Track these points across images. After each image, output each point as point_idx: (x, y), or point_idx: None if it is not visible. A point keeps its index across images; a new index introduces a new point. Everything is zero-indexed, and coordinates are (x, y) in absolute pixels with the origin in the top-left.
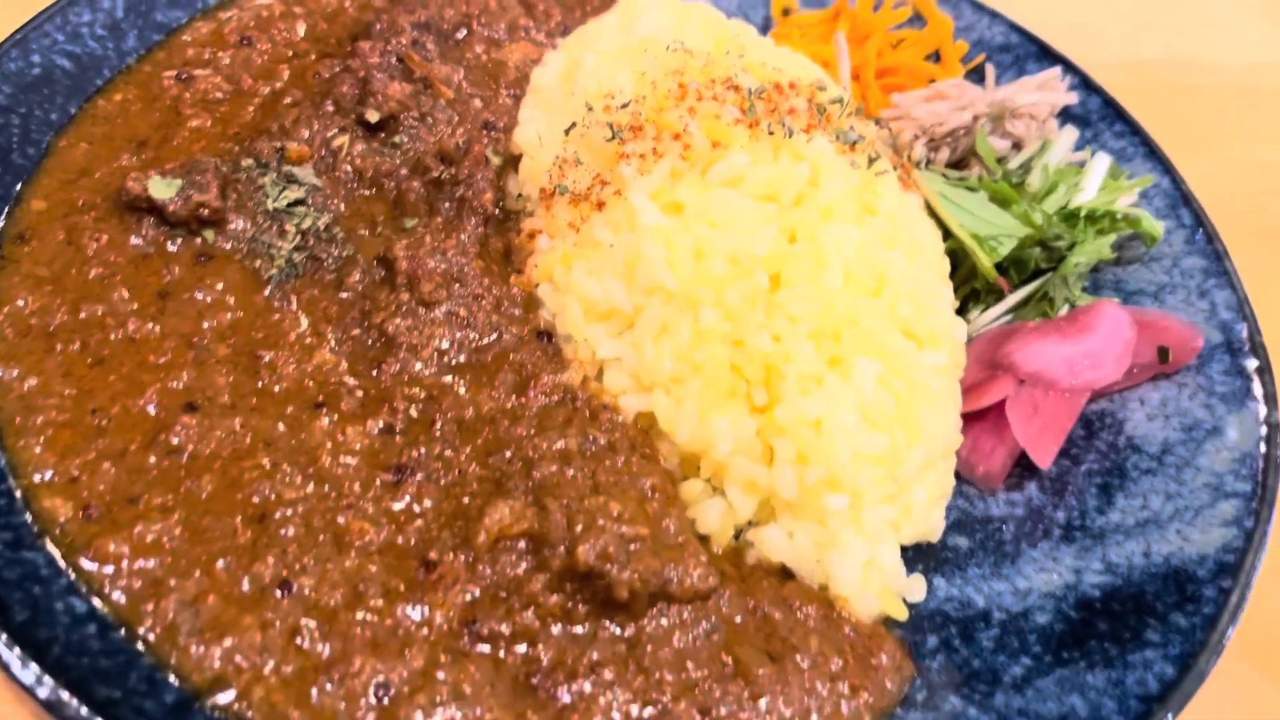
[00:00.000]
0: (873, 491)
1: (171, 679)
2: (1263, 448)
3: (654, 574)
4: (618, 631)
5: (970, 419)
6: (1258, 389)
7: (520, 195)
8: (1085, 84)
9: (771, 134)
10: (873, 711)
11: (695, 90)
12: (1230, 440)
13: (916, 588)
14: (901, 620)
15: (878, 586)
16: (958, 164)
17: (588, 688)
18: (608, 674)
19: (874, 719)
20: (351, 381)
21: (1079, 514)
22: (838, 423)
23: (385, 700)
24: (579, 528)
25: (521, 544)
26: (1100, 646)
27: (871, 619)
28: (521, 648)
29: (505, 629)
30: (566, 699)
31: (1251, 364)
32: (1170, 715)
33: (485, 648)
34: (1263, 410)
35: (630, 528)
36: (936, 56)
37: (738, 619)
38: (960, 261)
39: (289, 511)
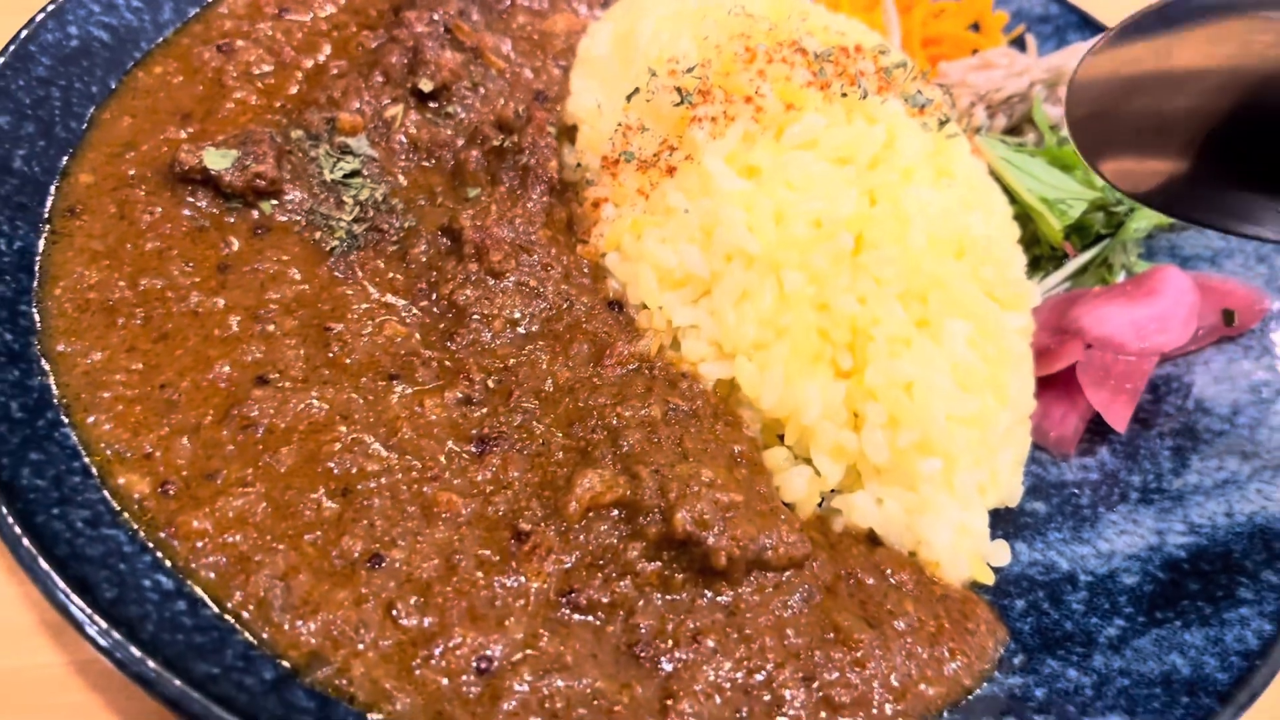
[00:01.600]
0: (966, 455)
1: (269, 655)
2: None
3: (750, 540)
4: (716, 599)
5: (1040, 385)
6: None
7: (579, 165)
8: None
9: (844, 96)
10: (972, 675)
11: (764, 53)
12: None
13: (1001, 552)
14: (988, 584)
15: (968, 551)
16: (1012, 131)
17: (690, 656)
18: (710, 642)
19: (974, 682)
20: (425, 353)
21: (1154, 477)
22: (930, 384)
23: (489, 671)
24: (673, 494)
25: (614, 513)
26: (1194, 605)
27: (961, 584)
28: (621, 617)
29: (604, 598)
30: (669, 668)
31: None
32: (1272, 671)
33: (584, 617)
34: None
35: (724, 494)
36: (976, 27)
37: (831, 586)
38: (1022, 227)
39: (372, 484)
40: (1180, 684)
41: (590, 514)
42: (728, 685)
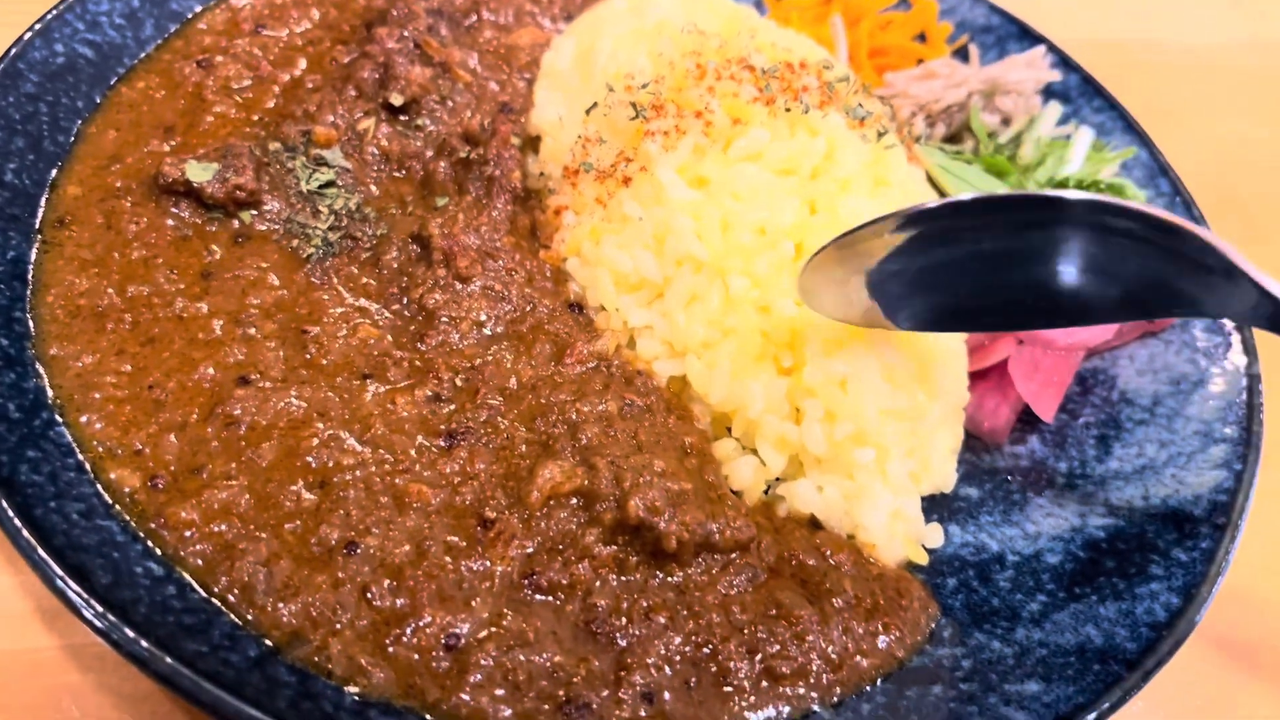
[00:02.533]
0: (897, 445)
1: (253, 635)
2: (1245, 396)
3: (699, 525)
4: (668, 580)
5: (974, 378)
6: (1237, 344)
7: (541, 174)
8: (1065, 62)
9: (788, 110)
10: (905, 647)
11: (714, 70)
12: (1215, 391)
13: (935, 535)
14: (923, 564)
15: (902, 534)
16: (951, 139)
17: (643, 632)
18: (661, 619)
19: (906, 654)
20: (397, 353)
21: (1080, 463)
22: (863, 381)
23: (456, 648)
24: (627, 483)
25: (573, 501)
26: (1109, 582)
27: (897, 564)
28: (579, 597)
29: (563, 579)
30: (624, 643)
31: (1230, 321)
32: (1177, 641)
33: (545, 597)
34: (1243, 362)
35: (675, 482)
36: (922, 37)
37: (775, 567)
38: None
39: (348, 476)
40: (1093, 653)
41: (551, 502)
42: (678, 658)
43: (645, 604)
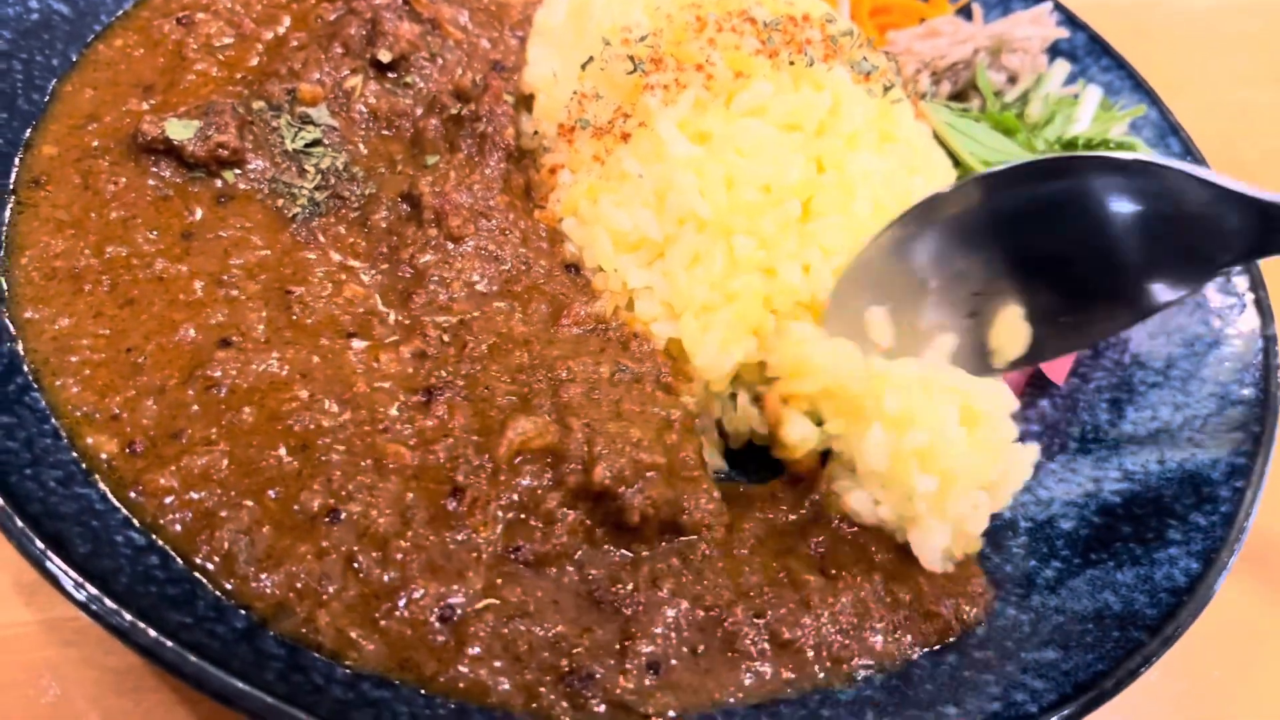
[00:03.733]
0: (967, 476)
1: (239, 606)
2: (1261, 358)
3: (666, 502)
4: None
5: None
6: (1251, 305)
7: (535, 133)
8: (1071, 20)
9: (792, 64)
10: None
11: (714, 22)
12: (1230, 353)
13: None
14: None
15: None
16: (957, 97)
17: (648, 599)
18: (667, 586)
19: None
20: (384, 311)
21: (1092, 428)
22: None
23: (452, 620)
24: (597, 448)
25: (542, 460)
26: (1126, 548)
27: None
28: (572, 568)
29: (547, 550)
30: (628, 611)
31: (1244, 281)
32: (1198, 607)
33: (539, 570)
34: (1259, 323)
35: (648, 455)
36: None
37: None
38: None
39: (329, 439)
40: (1111, 619)
41: (519, 458)
42: (684, 624)
43: (648, 570)
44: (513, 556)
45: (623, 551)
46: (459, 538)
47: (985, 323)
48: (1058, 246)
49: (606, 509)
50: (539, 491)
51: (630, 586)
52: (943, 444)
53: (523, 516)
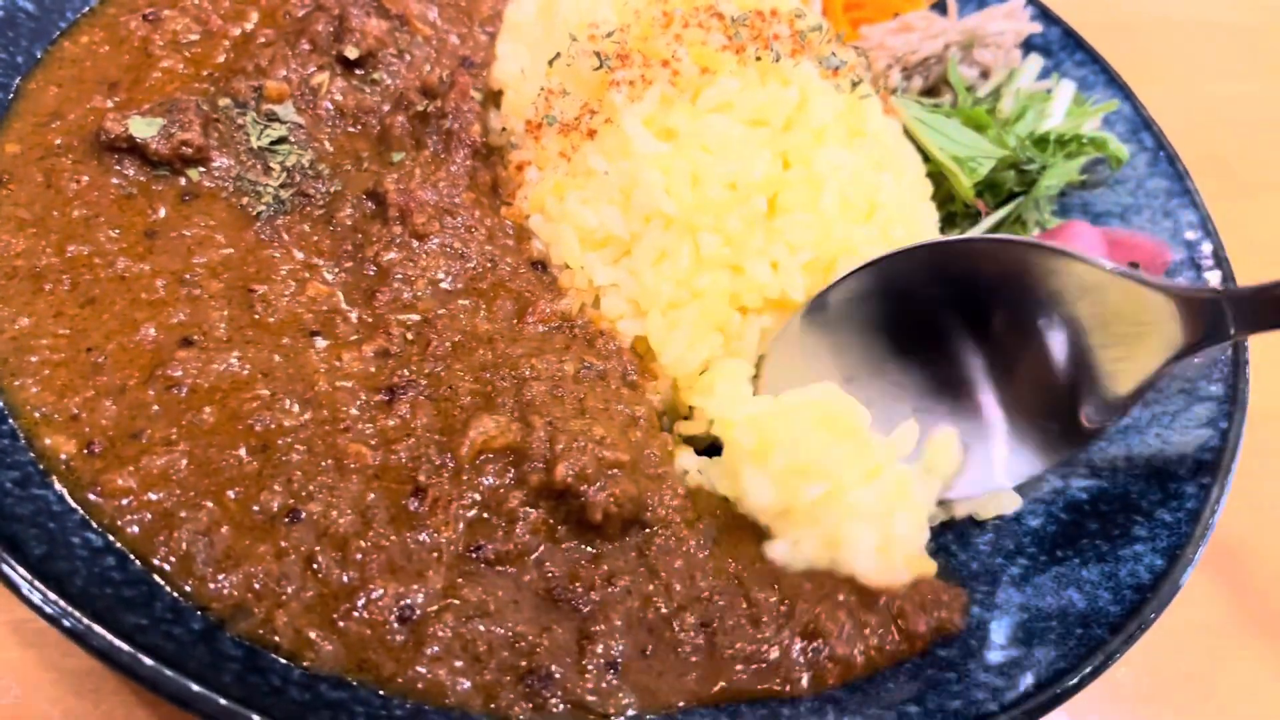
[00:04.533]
0: (849, 470)
1: (197, 608)
2: (1230, 353)
3: (630, 499)
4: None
5: None
6: None
7: (503, 130)
8: (1045, 15)
9: (759, 59)
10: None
11: (680, 18)
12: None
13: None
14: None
15: (902, 558)
16: (929, 92)
17: (603, 598)
18: (623, 583)
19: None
20: (347, 309)
21: None
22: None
23: (411, 620)
24: (559, 446)
25: (504, 459)
26: (1092, 544)
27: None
28: (532, 565)
29: (508, 549)
30: (586, 610)
31: (1215, 277)
32: (1162, 603)
33: (499, 568)
34: None
35: (611, 452)
36: None
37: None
38: (937, 186)
39: (290, 439)
40: (1075, 617)
41: (481, 457)
42: (636, 624)
43: (606, 568)
44: (474, 555)
45: (584, 548)
46: (420, 538)
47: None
48: (985, 355)
49: (569, 507)
50: (501, 491)
51: (589, 584)
52: (811, 454)
53: (485, 515)
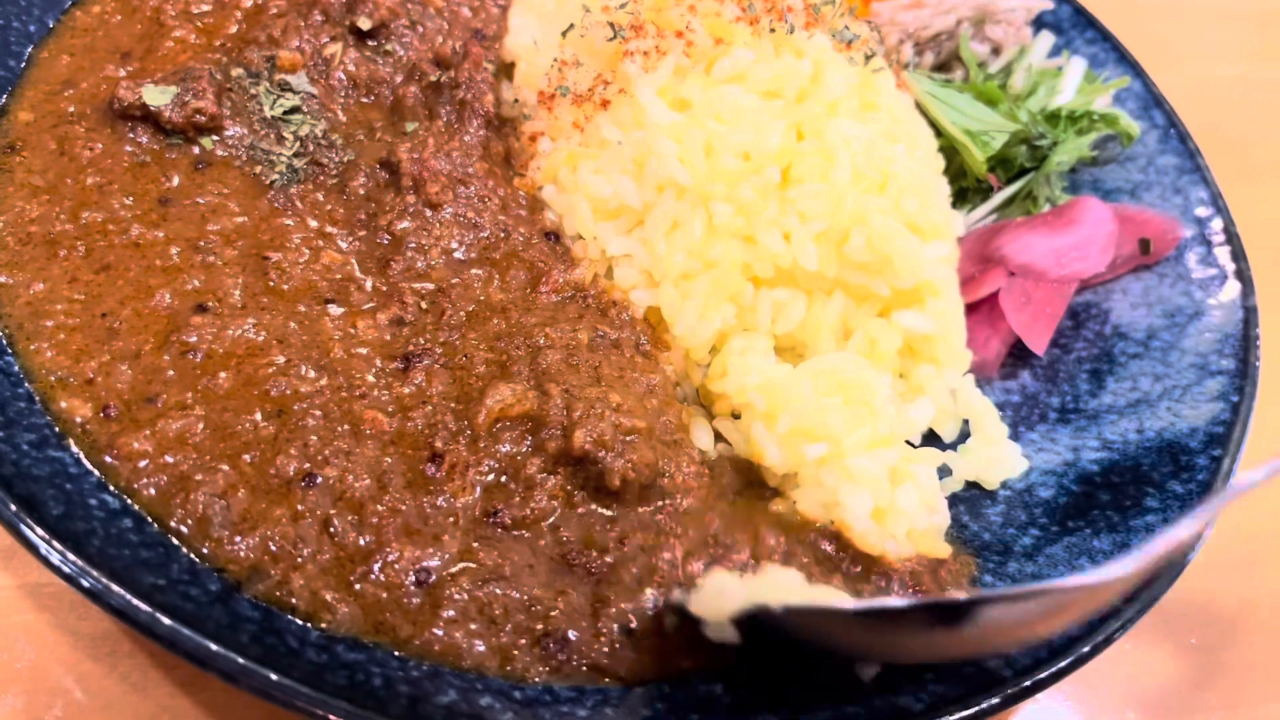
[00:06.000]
0: (849, 434)
1: (214, 569)
2: (1241, 328)
3: (647, 466)
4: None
5: (965, 311)
6: (1233, 275)
7: (516, 101)
8: None
9: (773, 31)
10: None
11: None
12: (1211, 323)
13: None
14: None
15: (903, 531)
16: (941, 68)
17: (617, 560)
18: (636, 542)
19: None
20: (362, 278)
21: (1072, 398)
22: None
23: (428, 583)
24: (577, 413)
25: (521, 426)
26: (1104, 515)
27: (906, 561)
28: (547, 530)
29: (524, 514)
30: (599, 573)
31: (1226, 252)
32: (1174, 574)
33: (516, 533)
34: (1240, 294)
35: (628, 419)
36: None
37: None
38: (948, 161)
39: (305, 405)
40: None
41: (498, 425)
42: (652, 587)
43: (618, 530)
44: (491, 520)
45: (599, 511)
46: (437, 502)
47: None
48: None
49: (587, 473)
50: (519, 458)
51: (603, 549)
52: (814, 414)
53: (502, 481)
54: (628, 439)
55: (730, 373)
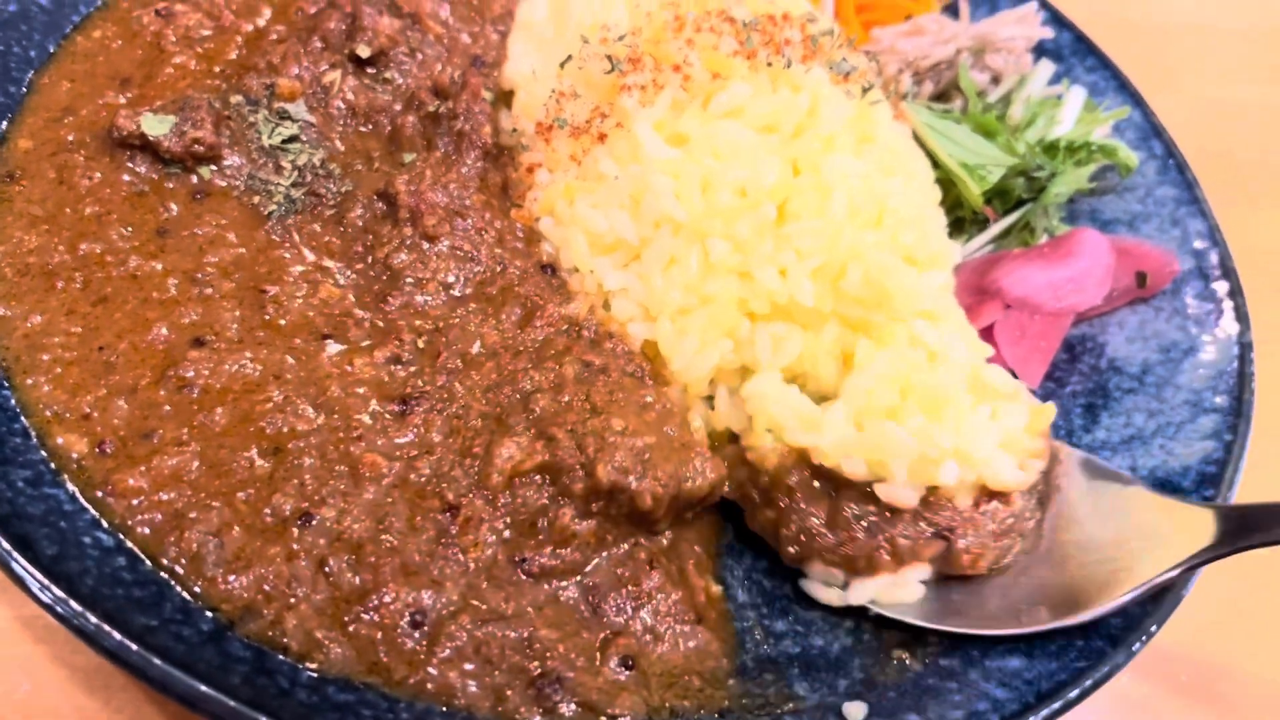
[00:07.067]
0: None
1: (206, 609)
2: (1236, 365)
3: (670, 477)
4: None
5: None
6: (1229, 311)
7: (514, 130)
8: (1057, 19)
9: (770, 65)
10: None
11: (693, 22)
12: (1206, 359)
13: None
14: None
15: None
16: (940, 97)
17: (638, 597)
18: (653, 579)
19: None
20: (359, 313)
21: (1066, 432)
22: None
23: (423, 625)
24: (591, 449)
25: (538, 478)
26: None
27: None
28: (576, 580)
29: (555, 563)
30: (621, 619)
31: (1223, 287)
32: (1163, 617)
33: (541, 582)
34: (1235, 330)
35: (638, 439)
36: None
37: None
38: (945, 192)
39: (302, 443)
40: (1076, 628)
41: (515, 481)
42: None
43: (629, 572)
44: (518, 566)
45: (639, 542)
46: (447, 553)
47: None
48: None
49: (619, 502)
50: (549, 508)
51: (619, 591)
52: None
53: (530, 532)
54: (645, 457)
55: (758, 425)
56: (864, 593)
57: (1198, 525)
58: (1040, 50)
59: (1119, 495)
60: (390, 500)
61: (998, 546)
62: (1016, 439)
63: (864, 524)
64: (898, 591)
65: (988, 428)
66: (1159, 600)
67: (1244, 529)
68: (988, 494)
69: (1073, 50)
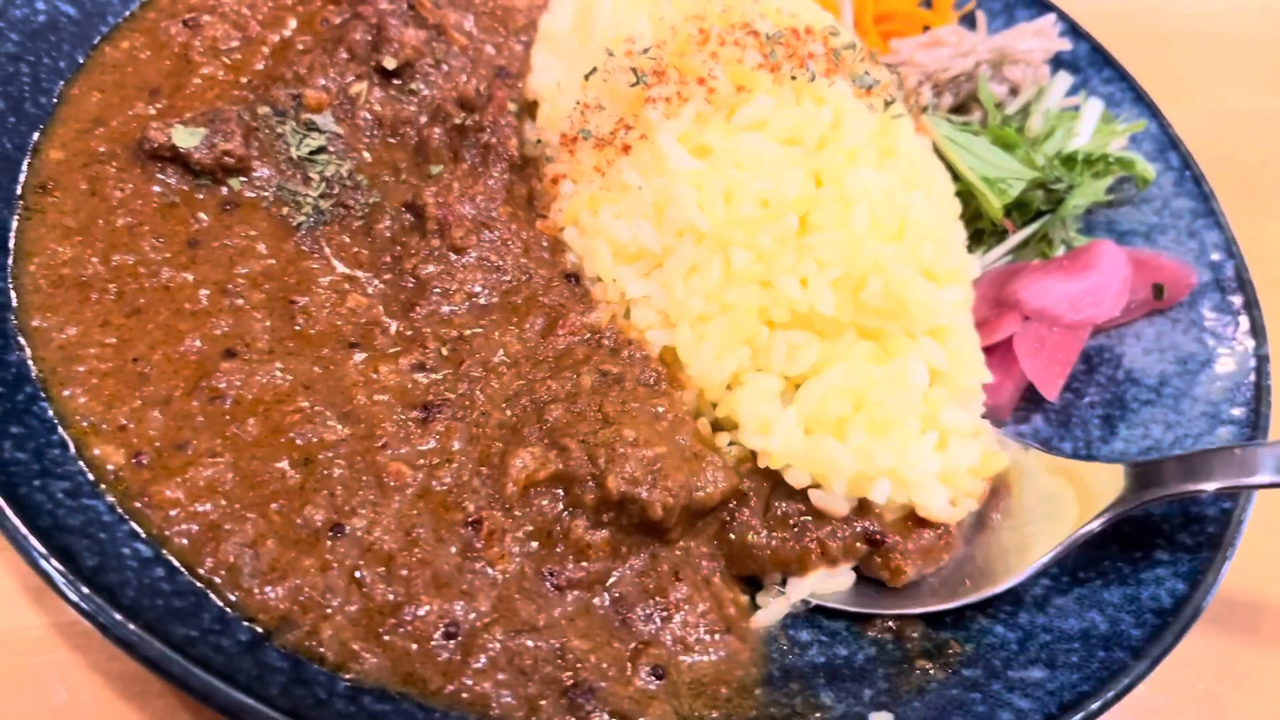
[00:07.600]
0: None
1: (243, 619)
2: (1253, 378)
3: (681, 486)
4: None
5: None
6: (1245, 323)
7: (539, 141)
8: (1074, 31)
9: (794, 78)
10: None
11: (717, 35)
12: (1223, 371)
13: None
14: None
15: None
16: (959, 109)
17: (669, 608)
18: (682, 590)
19: None
20: (386, 321)
21: (1084, 443)
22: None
23: (457, 635)
24: (601, 460)
25: (551, 488)
26: (1114, 566)
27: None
28: (603, 591)
29: (580, 575)
30: (650, 628)
31: (1239, 300)
32: (1183, 628)
33: (570, 593)
34: (1252, 343)
35: (649, 449)
36: (928, 3)
37: None
38: (965, 204)
39: (330, 454)
40: (1097, 639)
41: (530, 491)
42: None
43: (664, 569)
44: (546, 579)
45: (655, 553)
46: (475, 566)
47: None
48: None
49: (629, 512)
50: (562, 520)
51: (651, 602)
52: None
53: (550, 540)
54: (655, 468)
55: (744, 420)
56: (802, 589)
57: (1109, 481)
58: (1057, 62)
59: (1050, 471)
60: (416, 512)
61: (920, 565)
62: (958, 475)
63: (793, 524)
64: (831, 582)
65: (930, 456)
66: (1178, 612)
67: (1150, 482)
68: (917, 520)
69: (1090, 61)
